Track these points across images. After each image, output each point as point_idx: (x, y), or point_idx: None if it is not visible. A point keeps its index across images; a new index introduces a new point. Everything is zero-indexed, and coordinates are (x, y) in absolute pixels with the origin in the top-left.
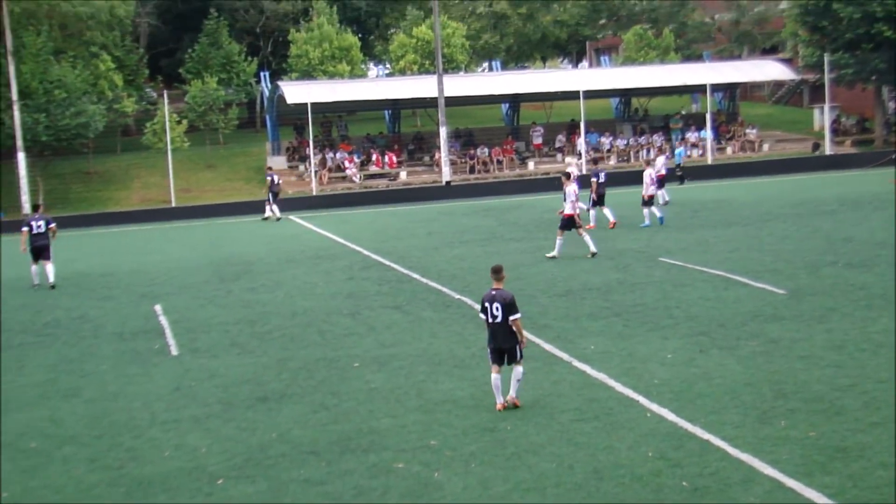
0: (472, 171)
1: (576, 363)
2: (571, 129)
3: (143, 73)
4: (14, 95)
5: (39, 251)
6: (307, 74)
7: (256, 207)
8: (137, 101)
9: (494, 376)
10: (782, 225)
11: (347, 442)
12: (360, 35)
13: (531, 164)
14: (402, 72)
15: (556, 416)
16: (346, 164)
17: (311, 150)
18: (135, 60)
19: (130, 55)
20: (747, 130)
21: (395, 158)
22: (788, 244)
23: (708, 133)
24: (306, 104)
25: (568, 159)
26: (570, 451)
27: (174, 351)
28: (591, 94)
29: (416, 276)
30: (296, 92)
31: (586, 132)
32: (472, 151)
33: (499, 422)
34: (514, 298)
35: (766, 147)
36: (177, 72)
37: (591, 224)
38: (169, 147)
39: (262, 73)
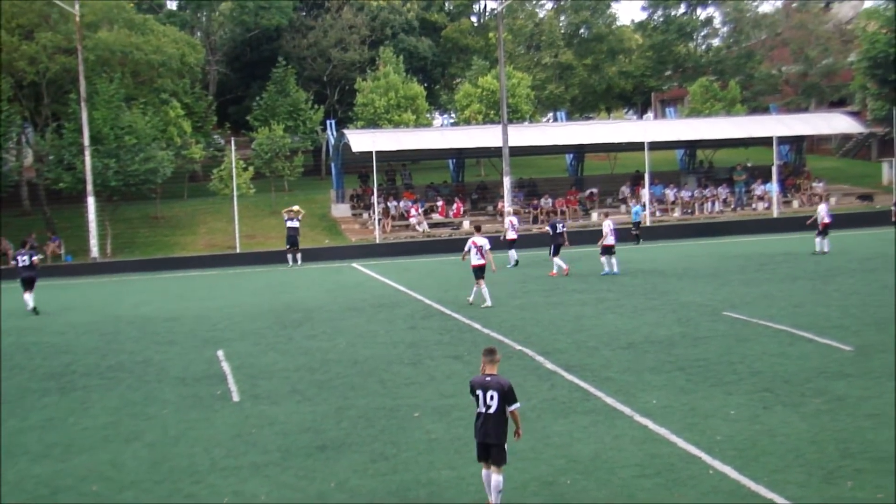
0: (535, 221)
1: (637, 417)
2: (636, 180)
3: (211, 120)
4: (86, 141)
5: (27, 281)
6: (373, 123)
7: (319, 255)
8: (205, 148)
9: (484, 472)
10: (849, 280)
11: (406, 493)
12: (425, 84)
13: (594, 215)
14: (467, 121)
15: (616, 470)
16: (411, 212)
17: (375, 198)
18: (203, 107)
19: (199, 102)
20: (814, 184)
21: (459, 207)
22: (855, 299)
23: (774, 186)
24: (371, 152)
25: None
26: None
27: (235, 397)
28: (655, 146)
29: (477, 326)
30: (361, 140)
31: (651, 183)
32: (535, 201)
33: (559, 475)
34: (511, 386)
35: (833, 201)
36: (244, 119)
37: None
38: (235, 193)
39: (328, 121)
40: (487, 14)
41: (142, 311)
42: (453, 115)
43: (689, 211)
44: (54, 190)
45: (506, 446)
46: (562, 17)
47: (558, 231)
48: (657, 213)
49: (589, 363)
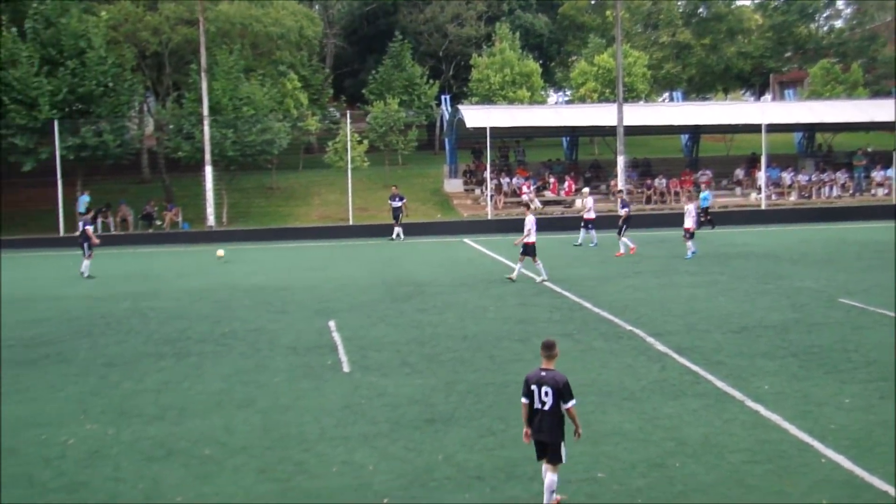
0: (648, 201)
1: (749, 402)
2: (752, 162)
3: (327, 93)
4: (205, 111)
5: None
6: (487, 99)
7: (431, 229)
8: (321, 120)
9: (545, 467)
10: None
11: (513, 469)
12: (541, 61)
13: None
14: (582, 99)
15: (726, 455)
16: (523, 189)
17: (487, 175)
18: (320, 80)
19: (316, 75)
20: None
21: (571, 186)
22: None
23: (894, 172)
24: (485, 128)
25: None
26: (739, 493)
27: (346, 368)
28: (773, 128)
29: (587, 304)
30: (476, 116)
31: (767, 166)
32: (649, 181)
33: (667, 457)
34: (567, 382)
35: None
36: (360, 92)
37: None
38: (349, 166)
39: (442, 97)
40: None
41: (255, 280)
42: (568, 93)
43: (806, 195)
44: (173, 159)
45: (563, 446)
46: None
47: (620, 213)
48: (773, 197)
49: (700, 346)
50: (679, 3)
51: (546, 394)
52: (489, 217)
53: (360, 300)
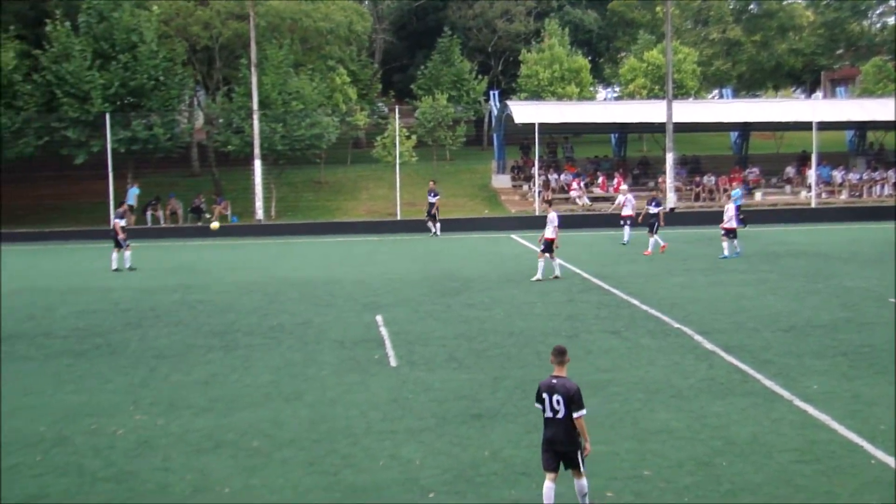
0: (696, 198)
1: (797, 402)
2: (802, 160)
3: (376, 88)
4: (255, 105)
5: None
6: (536, 95)
7: (478, 225)
8: (369, 115)
9: (548, 485)
10: None
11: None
12: (590, 57)
13: (758, 195)
14: (631, 95)
15: (774, 455)
16: (571, 185)
17: (535, 170)
18: (369, 75)
19: (365, 70)
20: None
21: (620, 182)
22: None
23: None
24: (534, 124)
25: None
26: (787, 493)
27: (393, 362)
28: (824, 126)
29: (635, 302)
30: (524, 111)
31: (818, 164)
32: (697, 179)
33: (715, 456)
34: (579, 390)
35: None
36: (408, 87)
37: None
38: (397, 161)
39: (491, 92)
40: None
41: (303, 273)
42: (617, 89)
43: (857, 194)
44: (223, 152)
45: (580, 454)
46: None
47: (654, 211)
48: (823, 195)
49: (748, 344)
50: None
51: (558, 402)
52: (537, 213)
53: (407, 295)
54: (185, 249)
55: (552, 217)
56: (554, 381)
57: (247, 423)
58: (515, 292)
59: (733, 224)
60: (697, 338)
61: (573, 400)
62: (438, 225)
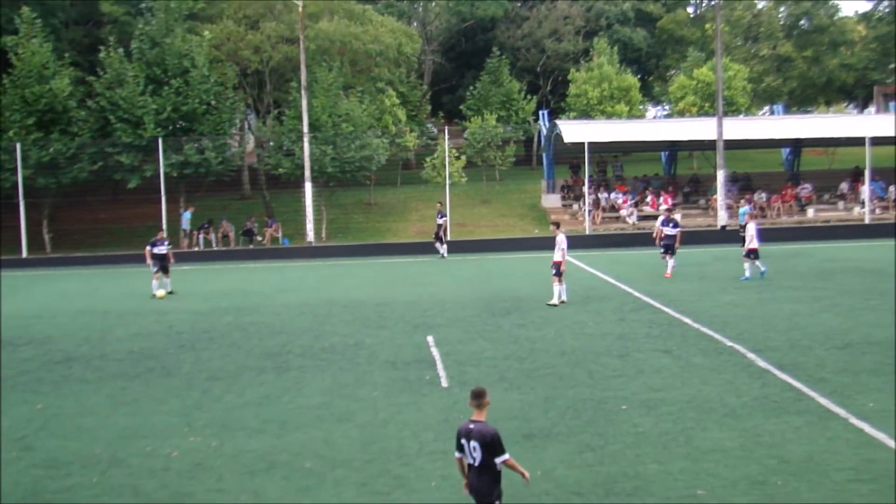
0: None
1: (853, 420)
2: (855, 176)
3: (425, 109)
4: (305, 128)
5: (164, 268)
6: (585, 114)
7: (529, 244)
8: (419, 136)
9: None
10: None
11: (612, 485)
12: (639, 76)
13: (811, 212)
14: (681, 113)
15: (830, 474)
16: (621, 204)
17: (585, 190)
18: (418, 96)
19: (414, 91)
20: None
21: (670, 200)
22: None
23: None
24: (583, 143)
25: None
26: None
27: (444, 383)
28: (877, 141)
29: (687, 320)
30: (573, 131)
31: (871, 180)
32: (749, 196)
33: (770, 475)
34: (497, 435)
35: None
36: (458, 108)
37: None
38: (447, 182)
39: (540, 112)
40: (704, 5)
41: (354, 294)
42: (667, 107)
43: None
44: (273, 175)
45: None
46: (781, 8)
47: (672, 233)
48: (877, 211)
49: (802, 362)
50: (780, 15)
51: (475, 448)
52: (587, 232)
53: (458, 315)
54: (237, 272)
55: (560, 239)
56: (471, 426)
57: (300, 444)
58: (566, 312)
59: (755, 244)
60: (750, 356)
61: (491, 446)
62: (445, 247)
